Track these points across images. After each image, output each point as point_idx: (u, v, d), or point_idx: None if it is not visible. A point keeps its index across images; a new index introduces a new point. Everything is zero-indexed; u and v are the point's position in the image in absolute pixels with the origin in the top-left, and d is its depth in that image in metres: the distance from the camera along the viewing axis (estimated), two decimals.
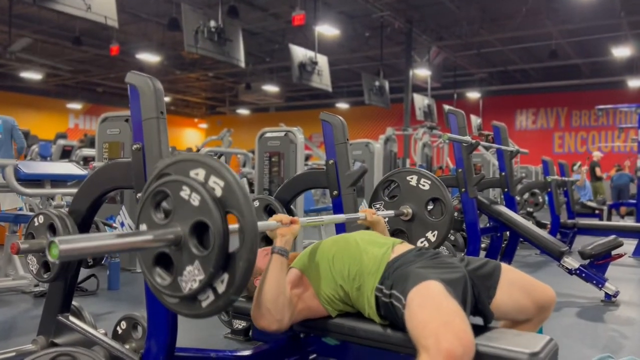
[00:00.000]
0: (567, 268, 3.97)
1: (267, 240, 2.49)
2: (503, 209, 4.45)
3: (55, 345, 1.95)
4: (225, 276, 1.27)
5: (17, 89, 19.84)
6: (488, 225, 4.71)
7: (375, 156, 7.39)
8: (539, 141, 19.79)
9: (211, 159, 1.31)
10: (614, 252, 4.07)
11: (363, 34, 14.55)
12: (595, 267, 3.99)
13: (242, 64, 11.07)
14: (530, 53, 16.51)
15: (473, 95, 20.26)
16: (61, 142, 10.56)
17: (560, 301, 3.84)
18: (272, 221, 1.74)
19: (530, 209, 7.20)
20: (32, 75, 18.38)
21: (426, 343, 1.41)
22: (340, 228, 2.58)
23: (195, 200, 1.26)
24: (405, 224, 2.54)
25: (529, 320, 1.79)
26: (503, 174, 4.82)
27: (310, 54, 12.13)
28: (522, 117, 21.10)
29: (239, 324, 2.85)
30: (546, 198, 6.98)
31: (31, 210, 5.20)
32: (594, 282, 3.94)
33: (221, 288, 1.28)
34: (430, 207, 2.52)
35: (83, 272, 3.43)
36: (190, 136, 27.43)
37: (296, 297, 1.79)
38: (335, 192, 2.63)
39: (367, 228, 2.29)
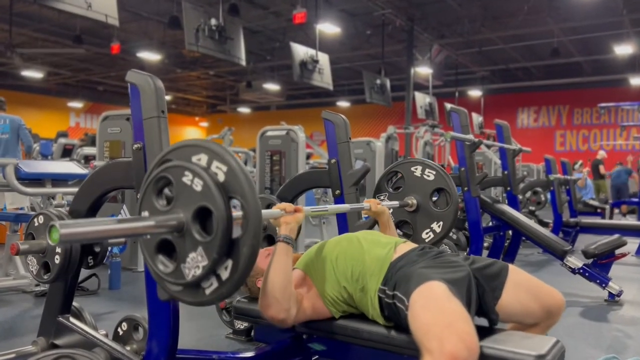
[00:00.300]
0: (570, 267, 3.95)
1: (269, 241, 2.47)
2: (506, 207, 4.44)
3: (55, 346, 1.93)
4: (229, 262, 1.25)
5: (18, 88, 19.82)
6: (491, 224, 4.69)
7: (376, 155, 7.38)
8: (540, 139, 19.74)
9: (213, 144, 1.29)
10: (617, 251, 4.05)
11: (364, 32, 14.52)
12: (598, 267, 3.96)
13: (243, 62, 11.04)
14: (532, 51, 16.46)
15: (474, 93, 20.21)
16: (62, 140, 10.56)
17: None
18: (275, 210, 1.72)
19: (532, 208, 7.17)
20: (34, 74, 18.37)
21: (430, 345, 1.39)
22: (343, 226, 2.56)
23: (197, 185, 1.24)
24: (410, 215, 2.52)
25: (536, 324, 1.75)
26: (506, 172, 4.80)
27: (311, 52, 12.09)
28: (523, 115, 21.06)
29: (241, 324, 2.83)
30: (548, 196, 6.96)
31: (32, 209, 5.18)
32: (598, 281, 3.92)
33: (225, 275, 1.26)
34: (435, 197, 2.50)
35: (84, 272, 3.42)
36: (191, 135, 27.42)
37: (300, 296, 1.78)
38: (337, 192, 2.61)
39: (370, 228, 2.27)
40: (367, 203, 2.20)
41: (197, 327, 3.13)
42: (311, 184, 3.00)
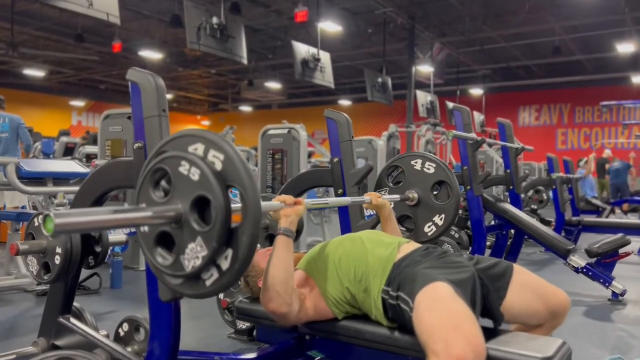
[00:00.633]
0: (573, 266, 3.93)
1: (270, 240, 2.46)
2: (508, 206, 4.42)
3: (56, 347, 1.92)
4: (229, 252, 1.23)
5: (20, 86, 19.83)
6: (493, 223, 4.67)
7: (378, 153, 7.35)
8: (542, 137, 19.71)
9: (210, 133, 1.27)
10: (621, 250, 4.02)
11: (366, 30, 14.49)
12: (602, 266, 3.94)
13: (245, 61, 11.01)
14: (533, 49, 16.42)
15: (476, 91, 20.16)
16: (64, 139, 10.54)
17: None
18: (275, 201, 1.70)
19: (534, 206, 7.15)
20: (35, 73, 18.37)
21: (435, 348, 1.38)
22: (345, 225, 2.54)
23: (194, 174, 1.22)
24: (411, 209, 2.51)
25: (541, 325, 1.74)
26: (508, 171, 4.77)
27: (312, 50, 12.06)
28: (525, 113, 21.02)
29: (243, 324, 2.82)
30: (550, 195, 6.93)
31: (34, 208, 5.18)
32: (601, 280, 3.90)
33: (225, 264, 1.24)
34: (436, 190, 2.49)
35: (85, 271, 3.40)
36: None
37: (303, 296, 1.76)
38: (340, 191, 2.60)
39: (373, 227, 2.25)
40: (368, 196, 2.18)
41: (198, 326, 3.11)
42: (313, 183, 2.98)
